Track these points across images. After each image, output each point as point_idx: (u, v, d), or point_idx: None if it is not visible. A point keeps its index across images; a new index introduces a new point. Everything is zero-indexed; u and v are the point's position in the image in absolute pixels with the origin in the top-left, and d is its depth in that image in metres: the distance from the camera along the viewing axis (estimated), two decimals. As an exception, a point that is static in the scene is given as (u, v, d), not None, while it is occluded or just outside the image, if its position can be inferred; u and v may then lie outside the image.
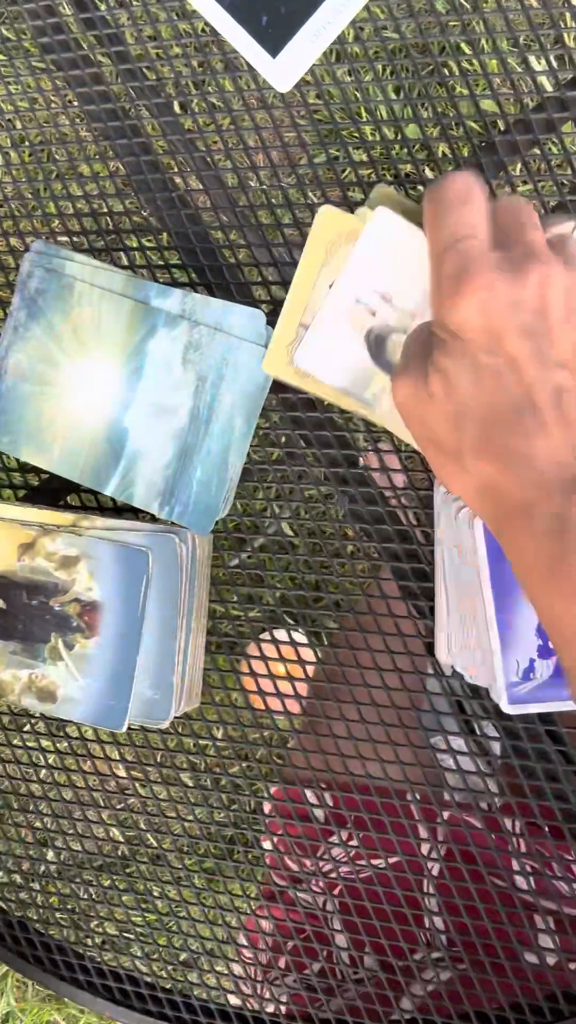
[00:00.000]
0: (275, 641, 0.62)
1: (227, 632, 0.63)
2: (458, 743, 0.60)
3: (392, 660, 0.59)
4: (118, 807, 0.67)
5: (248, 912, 0.68)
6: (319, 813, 0.65)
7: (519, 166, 0.54)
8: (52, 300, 0.57)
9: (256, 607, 0.64)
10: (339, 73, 0.55)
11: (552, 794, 0.58)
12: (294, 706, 0.63)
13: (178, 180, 0.59)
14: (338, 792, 0.62)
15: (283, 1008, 0.66)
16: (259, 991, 0.66)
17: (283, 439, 0.60)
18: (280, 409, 0.59)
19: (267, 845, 0.68)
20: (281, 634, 0.67)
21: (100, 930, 0.71)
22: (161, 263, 0.59)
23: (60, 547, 0.58)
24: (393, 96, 0.55)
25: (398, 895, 0.62)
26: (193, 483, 0.57)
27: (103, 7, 0.58)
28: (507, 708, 0.54)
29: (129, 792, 0.67)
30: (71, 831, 0.68)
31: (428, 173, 0.56)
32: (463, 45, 0.55)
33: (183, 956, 0.68)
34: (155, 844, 0.67)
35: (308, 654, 0.63)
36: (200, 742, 0.65)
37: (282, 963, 0.67)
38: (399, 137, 0.55)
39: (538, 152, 0.53)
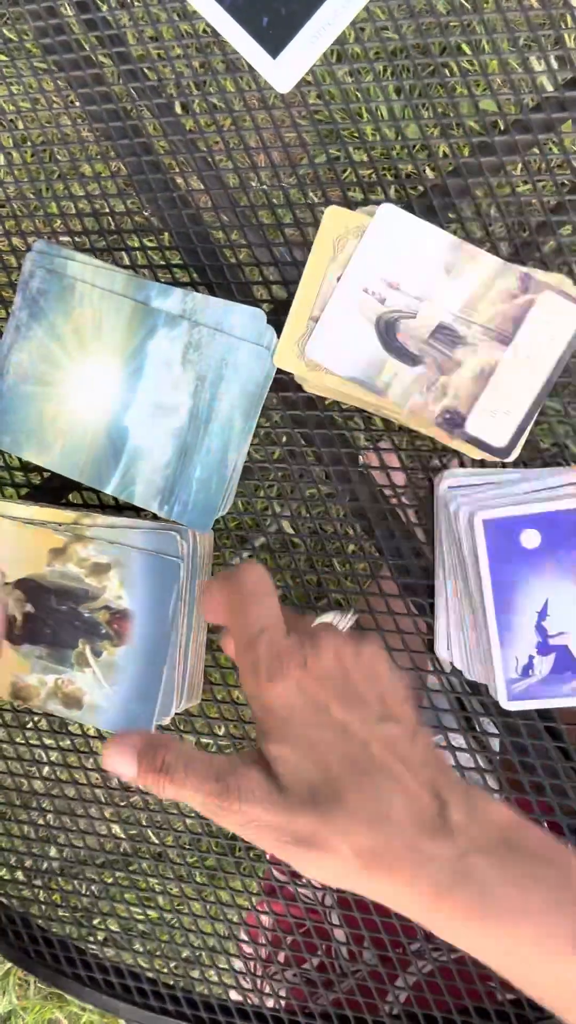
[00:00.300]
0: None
1: (228, 630, 0.63)
2: (458, 739, 0.60)
3: (392, 657, 0.59)
4: (120, 804, 0.68)
5: (249, 908, 0.68)
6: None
7: (519, 166, 0.54)
8: (54, 301, 0.57)
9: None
10: (339, 74, 0.55)
11: (551, 790, 0.58)
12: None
13: (179, 180, 0.59)
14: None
15: (283, 1003, 0.66)
16: (259, 986, 0.67)
17: (284, 438, 0.60)
18: (281, 408, 0.59)
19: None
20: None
21: (102, 927, 0.71)
22: (162, 263, 0.60)
23: (92, 554, 0.58)
24: (393, 96, 0.56)
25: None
26: (193, 482, 0.57)
27: (104, 8, 0.58)
28: (506, 704, 0.54)
29: (131, 790, 0.67)
30: (73, 828, 0.69)
31: (428, 173, 0.57)
32: (463, 45, 0.55)
33: (185, 952, 0.68)
34: (157, 841, 0.67)
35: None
36: (201, 739, 0.65)
37: (282, 958, 0.67)
38: (399, 137, 0.55)
39: (537, 152, 0.53)
